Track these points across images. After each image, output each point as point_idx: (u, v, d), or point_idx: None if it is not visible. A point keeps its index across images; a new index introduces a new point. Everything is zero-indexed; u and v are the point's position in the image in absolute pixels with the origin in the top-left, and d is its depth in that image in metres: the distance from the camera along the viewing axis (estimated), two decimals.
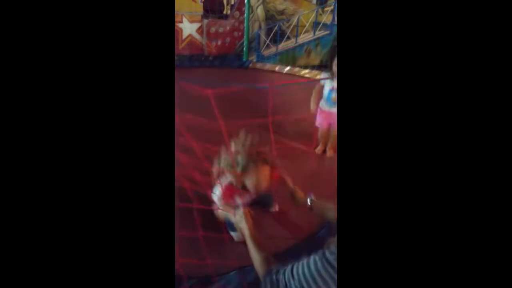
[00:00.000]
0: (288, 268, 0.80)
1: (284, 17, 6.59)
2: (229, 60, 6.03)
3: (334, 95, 2.30)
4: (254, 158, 1.20)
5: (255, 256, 0.97)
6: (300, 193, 1.31)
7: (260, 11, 6.57)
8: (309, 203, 1.24)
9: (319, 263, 0.71)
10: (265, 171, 1.23)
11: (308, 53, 6.49)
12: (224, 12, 6.41)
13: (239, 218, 1.13)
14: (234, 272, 1.31)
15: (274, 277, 0.81)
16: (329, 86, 2.38)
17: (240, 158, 1.20)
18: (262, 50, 6.45)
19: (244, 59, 6.11)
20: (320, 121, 2.57)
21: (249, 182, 1.23)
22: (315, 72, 4.96)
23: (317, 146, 2.71)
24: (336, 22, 6.01)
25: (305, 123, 2.83)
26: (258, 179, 1.21)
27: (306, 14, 6.42)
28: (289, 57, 6.19)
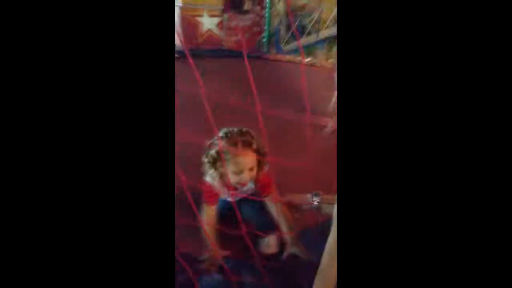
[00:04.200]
0: None
1: (305, 12, 6.49)
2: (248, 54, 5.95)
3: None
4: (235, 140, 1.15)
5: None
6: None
7: (281, 6, 6.52)
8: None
9: None
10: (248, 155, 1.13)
11: (330, 48, 6.31)
12: (245, 7, 6.40)
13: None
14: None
15: None
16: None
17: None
18: (283, 45, 6.35)
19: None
20: None
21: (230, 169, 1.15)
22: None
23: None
24: None
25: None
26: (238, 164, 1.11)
27: (328, 9, 6.29)
28: (310, 53, 6.02)
